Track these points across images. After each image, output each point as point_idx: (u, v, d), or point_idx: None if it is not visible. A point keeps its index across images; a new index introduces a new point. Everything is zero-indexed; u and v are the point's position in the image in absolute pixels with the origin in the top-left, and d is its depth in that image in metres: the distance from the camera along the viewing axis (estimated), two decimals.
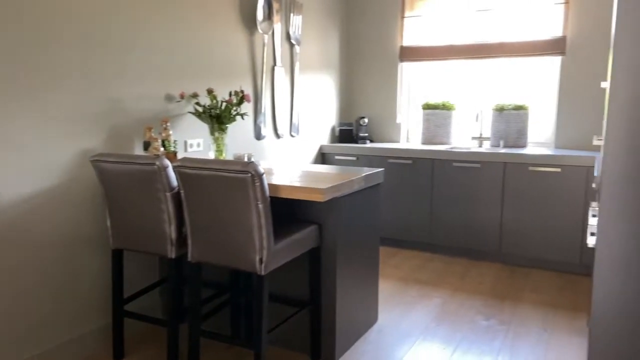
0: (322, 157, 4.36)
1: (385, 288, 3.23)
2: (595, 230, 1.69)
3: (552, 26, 3.76)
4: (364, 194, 2.45)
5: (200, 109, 2.77)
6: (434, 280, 3.37)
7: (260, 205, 1.85)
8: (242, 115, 2.79)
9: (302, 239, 2.12)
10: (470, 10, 4.03)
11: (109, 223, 2.25)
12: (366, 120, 4.39)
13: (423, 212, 3.93)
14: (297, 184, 2.08)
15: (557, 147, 3.86)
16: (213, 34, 3.03)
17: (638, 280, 1.49)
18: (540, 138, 4.01)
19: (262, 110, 3.50)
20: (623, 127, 1.41)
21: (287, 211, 2.37)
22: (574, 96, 3.75)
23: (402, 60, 4.37)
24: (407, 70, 4.48)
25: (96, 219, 2.39)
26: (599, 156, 3.14)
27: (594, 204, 2.21)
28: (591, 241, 1.63)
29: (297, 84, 3.88)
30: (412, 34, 4.31)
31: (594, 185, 2.73)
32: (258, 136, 3.51)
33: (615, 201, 1.47)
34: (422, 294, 3.14)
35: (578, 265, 3.50)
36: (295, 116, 3.91)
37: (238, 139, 3.33)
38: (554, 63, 3.88)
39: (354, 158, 4.19)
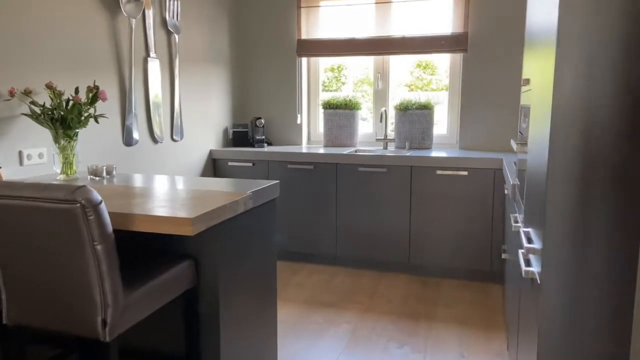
0: (213, 164, 3.82)
1: (286, 315, 2.79)
2: (531, 257, 1.38)
3: (454, 22, 3.57)
4: (253, 213, 1.99)
5: (37, 110, 2.12)
6: (341, 301, 3.00)
7: (99, 247, 1.31)
8: (96, 117, 2.19)
9: (170, 281, 1.61)
10: (370, 3, 3.73)
11: None
12: (263, 121, 3.92)
13: (328, 222, 3.55)
14: (157, 213, 1.56)
15: (461, 148, 3.69)
16: (56, 13, 2.38)
17: (587, 304, 1.19)
18: (444, 139, 3.83)
19: (133, 110, 2.89)
20: (575, 131, 1.09)
21: (150, 242, 1.83)
22: (476, 95, 3.59)
23: (300, 55, 3.97)
24: (307, 66, 4.08)
25: None
26: (513, 159, 2.96)
27: (515, 217, 1.95)
28: (529, 272, 1.32)
29: (178, 78, 3.31)
30: (311, 26, 3.92)
31: (507, 192, 2.52)
32: (128, 142, 2.89)
33: (565, 221, 1.15)
34: (329, 319, 2.75)
35: (489, 273, 3.34)
36: (178, 117, 3.33)
37: (100, 146, 2.69)
38: (456, 60, 3.70)
39: (250, 164, 3.70)
